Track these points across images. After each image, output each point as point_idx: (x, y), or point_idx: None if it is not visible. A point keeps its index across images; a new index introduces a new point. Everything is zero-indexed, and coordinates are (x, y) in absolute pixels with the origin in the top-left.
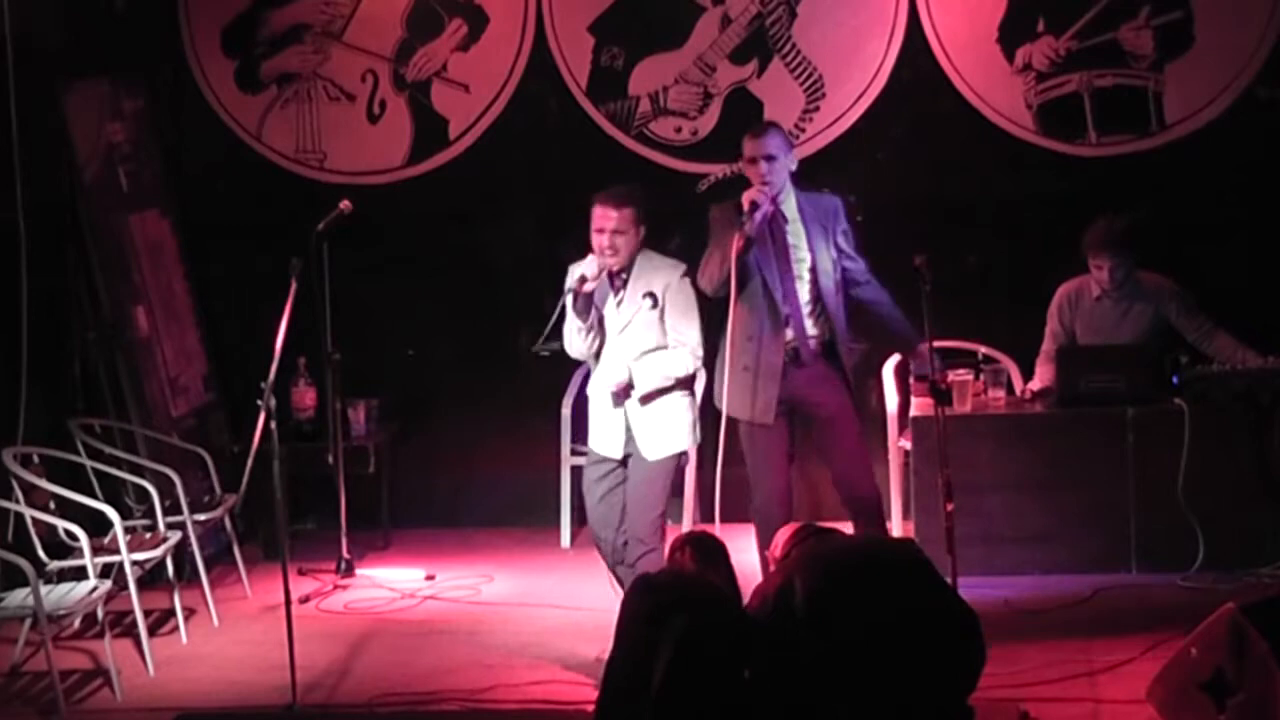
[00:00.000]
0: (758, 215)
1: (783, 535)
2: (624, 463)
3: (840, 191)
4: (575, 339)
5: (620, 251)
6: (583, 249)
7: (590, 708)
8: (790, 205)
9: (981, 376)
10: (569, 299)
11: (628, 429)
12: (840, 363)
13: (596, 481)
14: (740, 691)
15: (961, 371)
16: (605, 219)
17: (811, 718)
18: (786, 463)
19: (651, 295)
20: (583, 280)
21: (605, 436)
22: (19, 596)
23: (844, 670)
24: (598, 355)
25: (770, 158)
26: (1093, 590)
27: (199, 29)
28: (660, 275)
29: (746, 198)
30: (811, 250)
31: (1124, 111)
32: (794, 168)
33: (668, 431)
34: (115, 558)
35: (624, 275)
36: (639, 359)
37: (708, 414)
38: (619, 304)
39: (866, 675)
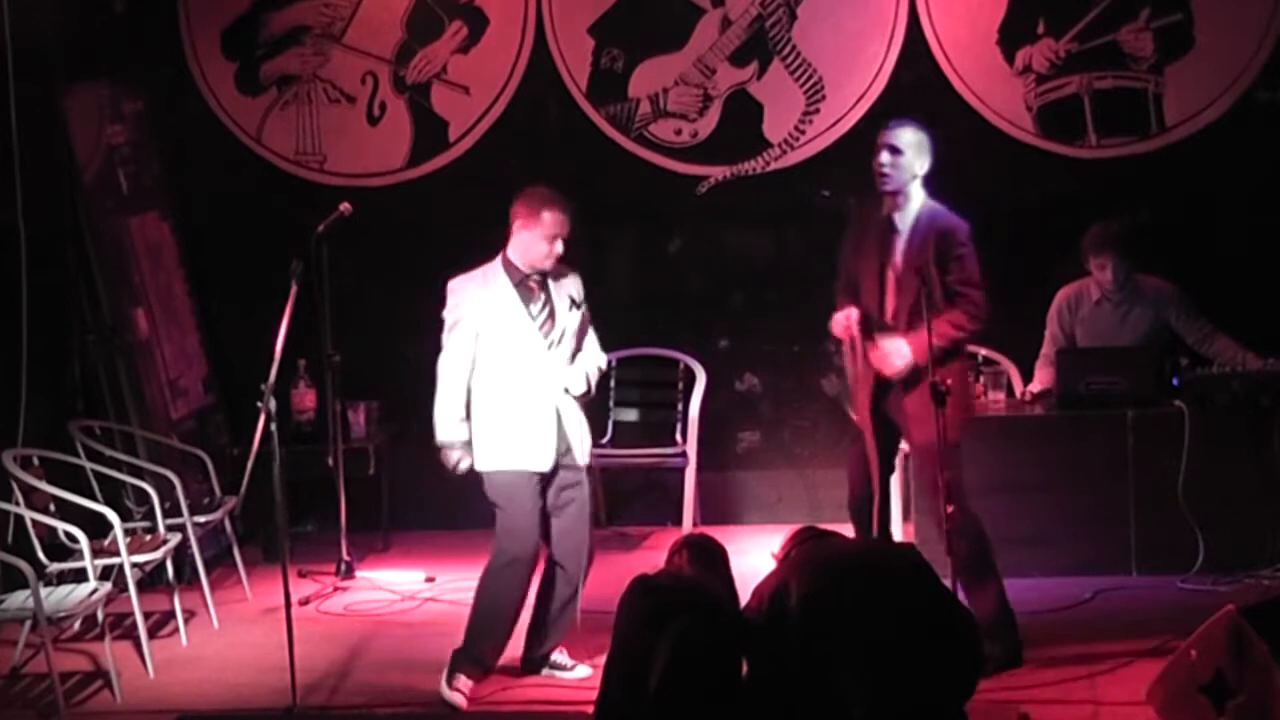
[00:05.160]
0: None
1: (784, 537)
2: (551, 475)
3: (840, 193)
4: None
5: (559, 258)
6: (584, 250)
7: (590, 708)
8: (905, 215)
9: (981, 379)
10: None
11: (561, 438)
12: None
13: (533, 492)
14: (737, 693)
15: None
16: (563, 226)
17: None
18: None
19: (573, 300)
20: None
21: (538, 450)
22: (19, 598)
23: (838, 673)
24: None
25: (893, 149)
26: (1093, 592)
27: (199, 31)
28: (570, 280)
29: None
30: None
31: (1124, 113)
32: (918, 170)
33: (587, 436)
34: (115, 560)
35: (539, 278)
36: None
37: (705, 418)
38: (548, 313)
39: (861, 678)
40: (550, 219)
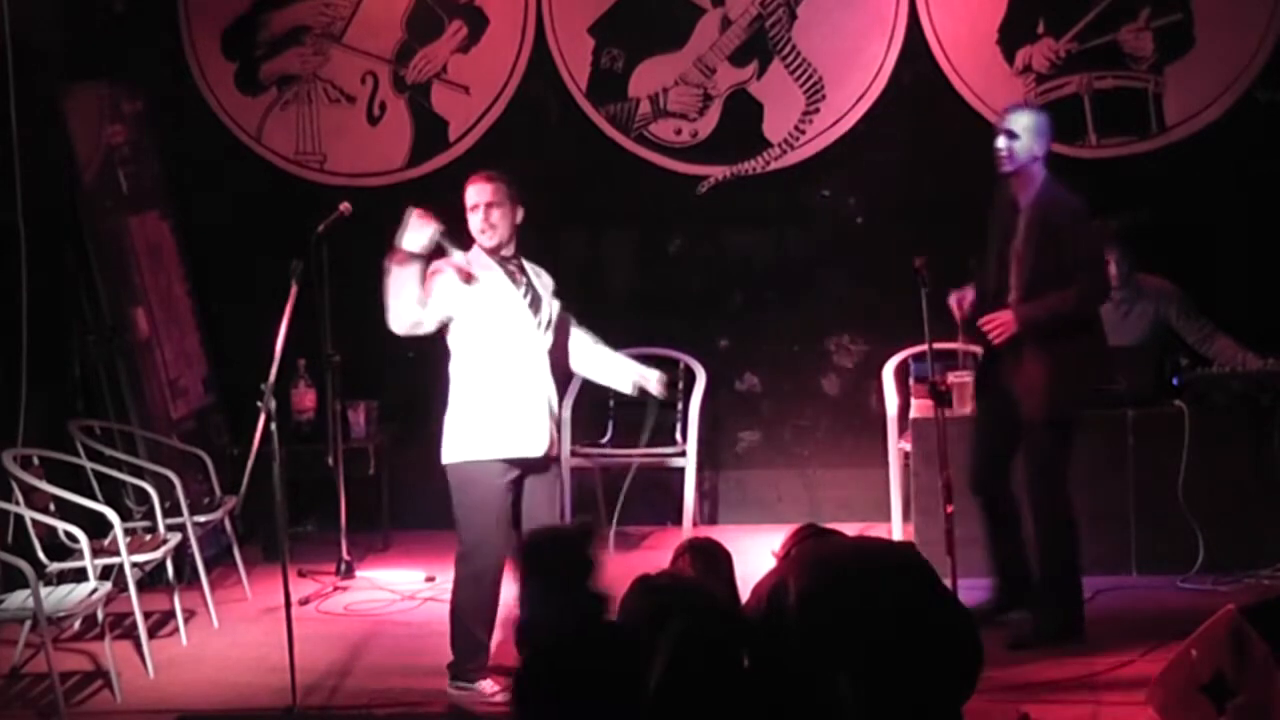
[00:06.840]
0: None
1: (785, 535)
2: (532, 466)
3: (841, 193)
4: (414, 307)
5: (498, 227)
6: (585, 250)
7: None
8: (1028, 196)
9: None
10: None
11: (550, 427)
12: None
13: (506, 491)
14: (736, 693)
15: (962, 373)
16: (481, 193)
17: (803, 718)
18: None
19: (557, 297)
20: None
21: (531, 435)
22: (19, 598)
23: (837, 673)
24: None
25: (1009, 134)
26: (1093, 592)
27: (199, 31)
28: (546, 278)
29: None
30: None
31: (1124, 113)
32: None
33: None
34: (115, 559)
35: (518, 263)
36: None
37: (705, 418)
38: (530, 300)
39: (860, 678)
40: (470, 193)
